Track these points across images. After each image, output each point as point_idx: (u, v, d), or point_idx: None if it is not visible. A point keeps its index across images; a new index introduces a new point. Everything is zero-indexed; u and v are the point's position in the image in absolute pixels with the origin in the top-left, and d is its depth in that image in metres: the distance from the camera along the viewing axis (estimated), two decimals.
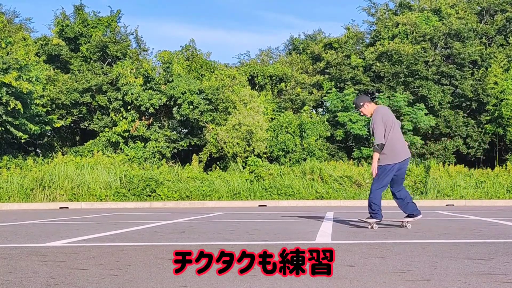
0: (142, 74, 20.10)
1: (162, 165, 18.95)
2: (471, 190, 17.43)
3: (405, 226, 6.95)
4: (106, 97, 20.46)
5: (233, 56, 51.19)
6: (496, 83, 21.39)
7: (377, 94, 22.28)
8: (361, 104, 6.90)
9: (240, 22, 62.30)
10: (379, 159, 6.69)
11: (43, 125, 18.24)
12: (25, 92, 16.97)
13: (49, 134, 21.24)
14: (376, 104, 7.13)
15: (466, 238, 5.50)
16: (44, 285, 3.03)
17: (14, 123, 17.01)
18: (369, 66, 22.91)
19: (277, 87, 24.59)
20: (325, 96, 22.92)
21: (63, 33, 22.14)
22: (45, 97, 19.29)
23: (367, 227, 6.90)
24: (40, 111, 18.49)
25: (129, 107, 19.98)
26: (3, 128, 17.06)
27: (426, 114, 20.89)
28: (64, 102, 20.13)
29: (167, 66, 20.71)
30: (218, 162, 20.43)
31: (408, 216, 6.99)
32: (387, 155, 6.69)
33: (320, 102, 24.19)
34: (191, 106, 19.45)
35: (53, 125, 18.80)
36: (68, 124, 20.84)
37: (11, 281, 3.18)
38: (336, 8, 57.24)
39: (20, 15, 31.09)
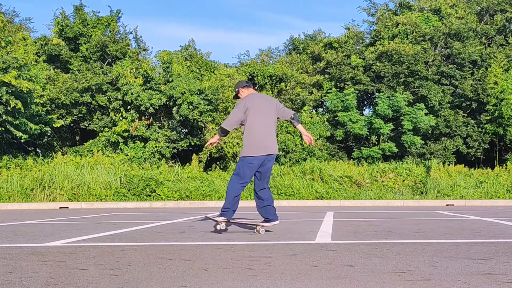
0: (142, 74, 20.10)
1: (162, 165, 18.95)
2: (471, 190, 17.43)
3: (259, 231, 6.17)
4: (106, 97, 20.46)
5: (233, 56, 51.23)
6: (496, 83, 21.40)
7: (377, 94, 22.28)
8: (236, 90, 6.51)
9: (240, 22, 62.33)
10: (242, 150, 6.21)
11: (43, 125, 18.24)
12: (25, 92, 16.96)
13: (49, 134, 21.22)
14: (256, 91, 6.66)
15: (466, 238, 5.50)
16: (44, 285, 3.03)
17: (14, 122, 17.00)
18: (369, 66, 22.91)
19: (277, 87, 24.58)
20: (325, 96, 22.93)
21: (63, 33, 22.13)
22: (45, 97, 19.29)
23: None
24: (40, 110, 18.48)
25: (129, 107, 19.98)
26: (3, 128, 17.05)
27: (426, 114, 20.91)
28: (64, 102, 20.12)
29: (167, 66, 20.71)
30: (218, 162, 20.42)
31: (265, 221, 6.23)
32: (247, 146, 6.14)
33: (320, 102, 24.20)
34: (190, 106, 19.44)
35: (53, 125, 18.79)
36: (68, 124, 20.84)
37: (11, 281, 3.18)
38: (336, 8, 57.26)
39: (20, 15, 31.10)
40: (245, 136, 6.20)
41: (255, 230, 6.25)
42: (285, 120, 6.52)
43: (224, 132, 6.25)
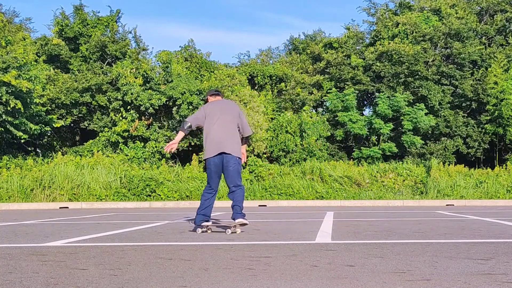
0: (142, 74, 20.10)
1: (162, 165, 18.95)
2: (471, 190, 17.43)
3: (235, 231, 6.29)
4: (106, 97, 20.46)
5: (233, 56, 51.22)
6: (496, 83, 21.40)
7: (377, 94, 22.28)
8: (206, 97, 6.78)
9: (240, 22, 62.32)
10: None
11: (43, 125, 18.24)
12: (24, 91, 16.96)
13: (49, 134, 21.23)
14: (227, 99, 6.89)
15: (466, 238, 5.50)
16: (44, 285, 3.03)
17: (14, 122, 17.01)
18: (369, 66, 22.91)
19: (277, 87, 24.58)
20: (325, 96, 22.92)
21: (63, 33, 22.13)
22: (45, 97, 19.29)
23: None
24: (40, 110, 18.48)
25: (128, 107, 19.98)
26: (2, 128, 17.05)
27: (426, 114, 20.91)
28: (64, 102, 20.12)
29: (166, 66, 20.71)
30: None
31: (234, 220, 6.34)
32: (205, 149, 6.31)
33: (320, 102, 24.19)
34: (190, 107, 19.44)
35: (53, 125, 18.80)
36: (68, 124, 20.83)
37: (11, 281, 3.18)
38: (336, 8, 57.26)
39: (20, 15, 31.09)
40: (203, 139, 6.34)
41: (232, 230, 6.32)
42: (242, 135, 6.58)
43: (186, 127, 6.31)
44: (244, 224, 6.27)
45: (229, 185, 6.29)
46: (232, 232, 6.24)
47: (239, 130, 6.51)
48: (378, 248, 4.65)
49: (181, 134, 6.38)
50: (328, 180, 17.80)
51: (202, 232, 6.36)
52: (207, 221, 6.39)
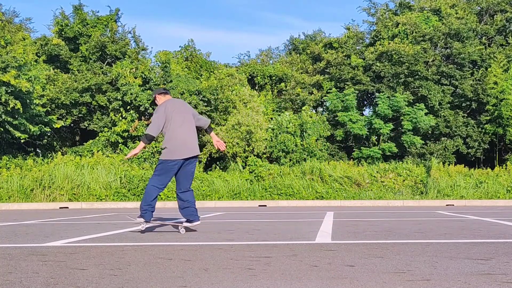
0: (140, 74, 20.11)
1: None
2: (471, 190, 17.43)
3: (179, 231, 6.32)
4: (105, 97, 20.46)
5: (233, 56, 51.24)
6: (496, 83, 21.41)
7: (377, 94, 22.28)
8: (153, 96, 6.61)
9: (240, 22, 62.32)
10: (162, 153, 6.28)
11: (43, 126, 18.23)
12: (24, 91, 16.96)
13: (49, 134, 21.22)
14: (175, 98, 6.72)
15: (466, 238, 5.50)
16: (44, 285, 3.03)
17: (13, 123, 17.00)
18: (369, 66, 22.92)
19: (277, 87, 24.59)
20: (325, 96, 22.93)
21: (63, 33, 22.12)
22: (45, 98, 19.27)
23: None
24: (40, 111, 18.48)
25: (128, 107, 19.98)
26: (2, 129, 17.05)
27: (426, 114, 20.91)
28: (63, 102, 20.12)
29: (165, 66, 20.71)
30: (218, 162, 20.42)
31: (187, 221, 6.38)
32: (168, 150, 6.20)
33: (320, 102, 24.20)
34: None
35: (53, 125, 18.79)
36: (68, 124, 20.83)
37: (11, 281, 3.18)
38: (336, 8, 57.26)
39: (20, 15, 31.09)
40: (165, 140, 6.27)
41: (178, 230, 6.34)
42: (201, 127, 6.60)
43: (149, 139, 6.27)
44: (196, 225, 6.37)
45: (185, 185, 6.30)
46: (183, 231, 6.29)
47: (200, 128, 6.59)
48: (378, 248, 4.65)
49: (142, 145, 6.35)
50: (328, 180, 17.80)
51: (145, 229, 6.37)
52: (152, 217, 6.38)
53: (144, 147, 6.39)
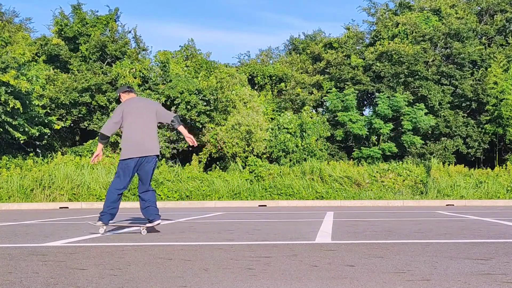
0: (139, 74, 20.10)
1: (161, 165, 18.94)
2: (471, 190, 17.43)
3: (141, 232, 6.27)
4: (105, 97, 20.45)
5: (233, 56, 51.24)
6: (495, 83, 21.41)
7: (377, 94, 22.29)
8: (118, 94, 6.56)
9: (240, 22, 62.32)
10: (120, 153, 6.23)
11: (42, 127, 18.21)
12: (24, 92, 16.95)
13: (48, 134, 21.23)
14: (138, 96, 6.66)
15: (466, 238, 5.50)
16: (44, 285, 3.03)
17: (13, 123, 16.99)
18: (369, 66, 22.92)
19: (277, 87, 24.59)
20: (325, 96, 22.93)
21: (62, 32, 22.10)
22: (45, 98, 19.25)
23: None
24: (40, 112, 18.47)
25: None
26: (1, 129, 17.04)
27: (426, 114, 20.92)
28: (63, 102, 20.11)
29: (164, 66, 20.70)
30: (218, 162, 20.42)
31: (148, 221, 6.32)
32: (124, 149, 6.16)
33: (320, 102, 24.21)
34: (188, 106, 19.42)
35: (53, 126, 18.79)
36: (68, 125, 20.82)
37: (11, 281, 3.18)
38: (336, 8, 57.25)
39: (20, 15, 31.11)
40: (122, 138, 6.23)
41: (140, 231, 6.29)
42: (167, 123, 6.54)
43: (103, 138, 6.25)
44: (157, 225, 6.32)
45: (144, 185, 6.26)
46: (144, 232, 6.24)
47: (167, 124, 6.51)
48: (378, 248, 4.65)
49: (100, 146, 6.32)
50: (328, 180, 17.80)
51: (106, 232, 6.33)
52: (112, 220, 6.31)
53: (104, 147, 6.33)
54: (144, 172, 6.21)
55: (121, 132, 6.30)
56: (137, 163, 6.14)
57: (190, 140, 6.53)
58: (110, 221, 6.21)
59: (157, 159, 6.33)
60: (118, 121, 6.20)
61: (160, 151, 19.77)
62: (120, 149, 6.03)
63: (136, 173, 6.23)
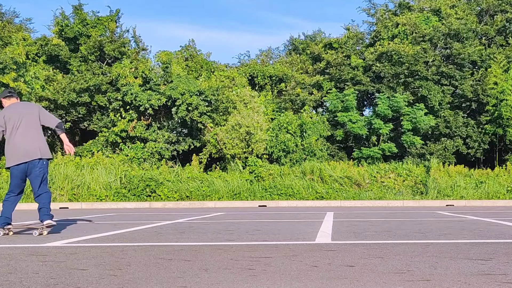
0: (140, 74, 20.09)
1: (161, 165, 18.95)
2: (471, 190, 17.43)
3: (42, 232, 6.27)
4: (105, 97, 20.45)
5: (233, 56, 51.23)
6: (495, 83, 21.41)
7: (377, 94, 22.29)
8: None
9: (241, 23, 62.33)
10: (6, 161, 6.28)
11: None
12: (23, 93, 16.95)
13: (48, 134, 21.22)
14: (23, 101, 6.72)
15: (466, 238, 5.50)
16: (44, 285, 3.03)
17: None
18: (369, 67, 22.92)
19: (277, 87, 24.59)
20: (325, 96, 22.94)
21: (63, 33, 22.08)
22: (45, 99, 19.24)
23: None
24: None
25: (128, 107, 19.97)
26: None
27: (426, 114, 20.92)
28: (62, 103, 20.11)
29: (166, 67, 20.69)
30: (218, 163, 20.42)
31: (41, 222, 6.32)
32: (8, 157, 6.20)
33: (320, 102, 24.21)
34: (189, 107, 19.42)
35: None
36: (68, 126, 20.82)
37: (11, 281, 3.18)
38: (336, 9, 57.26)
39: (20, 15, 31.10)
40: (5, 147, 6.23)
41: (40, 232, 6.27)
42: (50, 127, 6.54)
43: None
44: (52, 226, 6.28)
45: (35, 189, 6.28)
46: (39, 234, 6.24)
47: (49, 128, 6.54)
48: (378, 248, 4.65)
49: None
50: (328, 180, 17.81)
51: (4, 234, 6.30)
52: (9, 223, 6.32)
53: None
54: (33, 177, 6.24)
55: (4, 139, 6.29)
56: (24, 170, 6.19)
57: (68, 148, 6.54)
58: (7, 224, 6.26)
59: (44, 162, 6.30)
60: (1, 128, 6.24)
61: (159, 151, 19.76)
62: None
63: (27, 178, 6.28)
